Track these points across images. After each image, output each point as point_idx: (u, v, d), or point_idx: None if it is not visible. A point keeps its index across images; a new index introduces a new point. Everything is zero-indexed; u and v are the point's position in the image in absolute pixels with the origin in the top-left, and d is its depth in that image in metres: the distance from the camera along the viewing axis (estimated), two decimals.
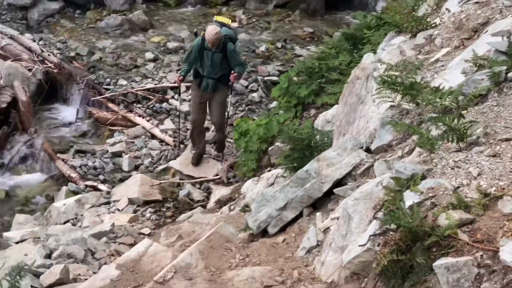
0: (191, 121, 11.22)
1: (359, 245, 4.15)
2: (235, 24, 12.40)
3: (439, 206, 3.85)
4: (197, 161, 10.98)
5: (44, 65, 13.66)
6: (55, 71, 13.62)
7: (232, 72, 10.42)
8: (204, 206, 9.84)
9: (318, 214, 5.34)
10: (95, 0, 16.33)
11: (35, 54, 13.95)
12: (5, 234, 8.80)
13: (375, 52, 7.28)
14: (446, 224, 3.64)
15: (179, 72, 11.81)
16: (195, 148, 11.08)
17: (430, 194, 3.96)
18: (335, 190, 5.39)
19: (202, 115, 10.88)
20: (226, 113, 11.12)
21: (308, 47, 14.75)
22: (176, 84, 12.03)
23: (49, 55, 13.91)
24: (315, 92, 9.99)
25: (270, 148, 9.45)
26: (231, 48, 10.29)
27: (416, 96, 5.11)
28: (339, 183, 5.47)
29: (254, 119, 10.96)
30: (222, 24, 10.60)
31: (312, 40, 15.33)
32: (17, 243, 8.26)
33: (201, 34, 10.51)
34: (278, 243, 5.44)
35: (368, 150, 5.60)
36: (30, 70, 13.52)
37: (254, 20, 16.25)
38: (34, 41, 14.57)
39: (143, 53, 14.50)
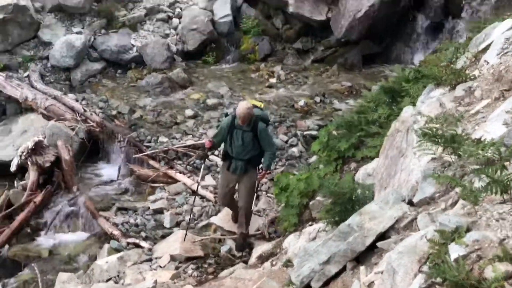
0: (218, 196, 11.07)
1: None
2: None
3: (485, 259, 3.80)
4: (236, 218, 10.70)
5: (87, 124, 13.93)
6: (97, 129, 13.87)
7: (260, 169, 10.13)
8: (246, 262, 9.80)
9: (361, 268, 5.29)
10: (136, 59, 16.66)
11: (78, 113, 14.25)
12: None
13: (414, 105, 7.28)
14: (492, 277, 3.59)
15: (211, 137, 11.07)
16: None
17: (476, 247, 3.91)
18: (378, 244, 5.34)
19: (230, 198, 10.55)
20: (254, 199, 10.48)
21: (347, 101, 14.82)
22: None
23: (91, 114, 14.18)
24: (355, 146, 9.98)
25: (311, 203, 9.43)
26: (262, 127, 9.88)
27: (458, 148, 5.09)
28: (382, 236, 5.42)
29: (294, 174, 10.95)
30: (254, 106, 10.19)
31: (351, 94, 15.39)
32: None
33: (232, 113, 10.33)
34: None
35: (410, 203, 5.56)
36: (73, 129, 13.79)
37: (292, 75, 16.41)
38: (77, 100, 14.89)
39: (183, 110, 14.69)
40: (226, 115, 10.67)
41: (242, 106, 9.68)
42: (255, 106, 10.13)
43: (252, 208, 10.37)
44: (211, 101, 14.98)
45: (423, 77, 8.65)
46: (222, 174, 10.51)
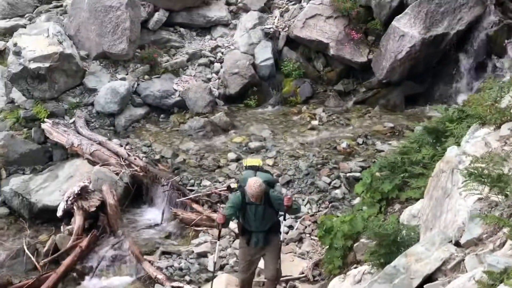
0: (238, 281, 9.88)
1: None
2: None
3: None
4: None
5: (131, 169, 14.10)
6: (141, 174, 14.02)
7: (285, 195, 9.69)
8: None
9: None
10: (178, 104, 16.85)
11: (122, 158, 14.45)
12: None
13: (458, 145, 7.22)
14: None
15: (222, 210, 10.35)
16: None
17: None
18: (425, 286, 5.26)
19: (252, 274, 9.71)
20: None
21: (389, 142, 14.73)
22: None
23: (135, 158, 14.35)
24: (398, 187, 9.90)
25: (355, 245, 9.34)
26: (274, 196, 9.18)
27: (505, 187, 5.02)
28: (429, 278, 5.34)
29: (337, 216, 10.89)
30: (255, 169, 9.63)
31: (393, 135, 15.30)
32: None
33: (237, 187, 9.73)
34: None
35: (457, 244, 5.48)
36: (117, 174, 13.99)
37: (334, 117, 16.41)
38: (121, 145, 15.11)
39: (226, 154, 14.77)
40: (230, 189, 10.35)
41: (254, 185, 8.91)
42: (255, 169, 9.61)
43: (280, 274, 9.71)
44: (253, 144, 15.05)
45: (467, 117, 8.58)
46: (242, 249, 9.62)
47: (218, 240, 9.96)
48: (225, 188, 13.32)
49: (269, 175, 9.74)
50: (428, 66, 16.88)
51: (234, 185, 10.08)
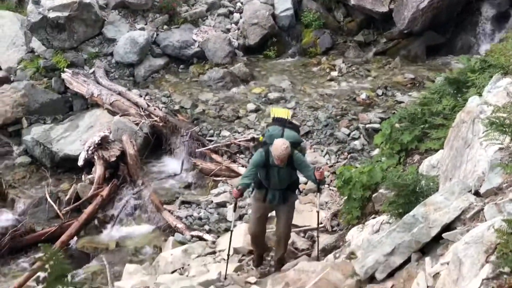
0: (249, 232, 9.39)
1: None
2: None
3: None
4: (260, 261, 9.56)
5: (150, 119, 14.14)
6: (161, 124, 14.07)
7: (317, 167, 9.10)
8: (309, 255, 9.79)
9: (427, 259, 5.24)
10: (198, 54, 16.80)
11: (142, 108, 14.48)
12: (117, 283, 9.06)
13: (480, 95, 7.16)
14: None
15: (235, 185, 9.92)
16: (254, 256, 9.59)
17: None
18: (444, 235, 5.27)
19: (263, 227, 9.25)
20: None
21: (410, 93, 14.64)
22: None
23: (154, 109, 14.39)
24: (418, 138, 9.84)
25: (374, 195, 9.34)
26: (298, 159, 8.71)
27: None
28: (448, 227, 5.35)
29: (356, 167, 10.89)
30: (282, 122, 9.04)
31: (414, 86, 15.20)
32: None
33: (261, 142, 9.07)
34: None
35: (477, 193, 5.48)
36: (137, 124, 14.04)
37: (354, 68, 16.30)
38: (141, 96, 15.13)
39: (245, 104, 14.77)
40: (253, 140, 9.65)
41: (279, 147, 8.38)
42: (282, 121, 9.03)
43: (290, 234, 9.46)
44: (272, 95, 15.02)
45: (489, 67, 8.46)
46: (256, 203, 9.19)
47: (234, 211, 9.46)
48: (246, 139, 13.36)
49: (296, 134, 9.04)
50: (451, 16, 16.65)
51: (258, 138, 9.24)
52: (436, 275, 4.96)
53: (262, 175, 8.78)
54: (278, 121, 9.10)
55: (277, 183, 8.78)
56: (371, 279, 5.70)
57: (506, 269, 3.80)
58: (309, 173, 8.81)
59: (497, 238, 4.15)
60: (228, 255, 9.23)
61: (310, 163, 9.64)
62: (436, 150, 8.85)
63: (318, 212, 9.41)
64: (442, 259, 5.06)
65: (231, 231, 9.39)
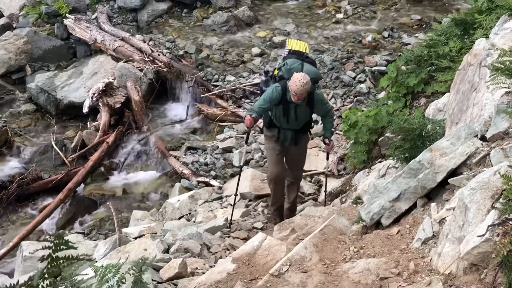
0: (270, 177, 8.59)
1: (478, 236, 4.05)
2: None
3: None
4: (281, 217, 8.70)
5: (155, 65, 14.06)
6: (165, 70, 13.99)
7: (326, 140, 8.38)
8: (315, 199, 9.83)
9: (432, 204, 5.23)
10: None
11: (146, 54, 14.38)
12: (124, 230, 9.11)
13: (487, 37, 7.05)
14: None
15: (247, 111, 8.93)
16: (274, 209, 8.82)
17: None
18: (450, 180, 5.26)
19: (282, 166, 8.50)
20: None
21: (416, 35, 14.49)
22: None
23: (158, 54, 14.28)
24: (424, 81, 9.77)
25: (380, 139, 9.32)
26: (319, 97, 8.12)
27: None
28: (454, 173, 5.33)
29: (362, 110, 10.83)
30: (299, 55, 8.26)
31: (420, 27, 15.04)
32: (135, 238, 8.54)
33: (278, 77, 8.17)
34: (392, 235, 5.37)
35: (483, 138, 5.43)
36: (141, 70, 13.96)
37: (359, 10, 16.08)
38: (144, 41, 15.00)
39: (250, 49, 14.65)
40: (266, 73, 8.69)
41: (300, 81, 7.63)
42: (300, 54, 8.27)
43: (302, 177, 9.13)
44: (277, 39, 14.88)
45: (496, 8, 8.33)
46: (269, 144, 8.50)
47: (246, 144, 9.16)
48: (252, 84, 13.27)
49: (316, 70, 8.30)
50: None
51: (273, 72, 8.27)
52: (441, 221, 4.96)
53: (277, 113, 8.09)
54: (295, 54, 8.30)
55: (293, 123, 8.13)
56: (377, 224, 5.72)
57: None
58: (323, 114, 8.30)
59: (503, 184, 4.13)
60: (235, 200, 9.08)
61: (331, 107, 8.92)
62: (443, 93, 8.79)
63: (326, 176, 9.21)
64: (448, 205, 5.05)
65: (240, 171, 9.11)
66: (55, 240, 3.08)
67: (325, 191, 9.14)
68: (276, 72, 8.23)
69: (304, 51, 8.34)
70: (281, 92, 7.89)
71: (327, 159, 9.09)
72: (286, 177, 8.59)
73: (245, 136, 9.08)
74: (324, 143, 8.52)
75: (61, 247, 3.09)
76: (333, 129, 8.60)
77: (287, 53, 8.48)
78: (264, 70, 9.64)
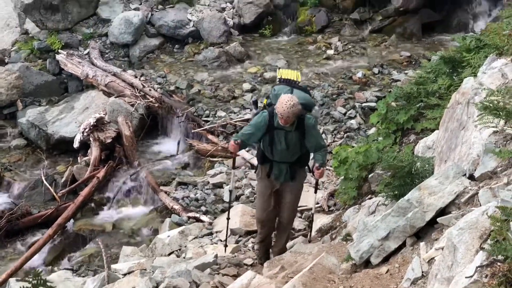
0: (258, 220, 8.27)
1: (466, 277, 4.04)
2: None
3: None
4: (266, 257, 8.39)
5: (146, 100, 14.11)
6: (156, 105, 14.05)
7: (316, 166, 7.73)
8: (305, 235, 9.80)
9: (421, 244, 5.24)
10: (193, 34, 16.71)
11: (137, 89, 14.46)
12: (114, 266, 9.07)
13: (475, 75, 7.12)
14: None
15: (233, 137, 8.46)
16: (260, 246, 8.48)
17: None
18: (438, 219, 5.27)
19: (273, 212, 8.07)
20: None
21: (406, 72, 14.60)
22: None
23: (150, 90, 14.35)
24: (414, 118, 9.82)
25: (370, 176, 9.34)
26: (310, 123, 7.54)
27: None
28: (442, 212, 5.34)
29: (353, 146, 10.87)
30: (290, 83, 7.77)
31: (410, 64, 15.17)
32: (124, 275, 8.49)
33: (264, 104, 7.85)
34: (381, 274, 5.36)
35: (471, 177, 5.46)
36: (132, 105, 14.00)
37: (350, 46, 16.23)
38: (136, 77, 15.07)
39: (241, 84, 14.74)
40: (255, 103, 8.46)
41: (286, 103, 7.17)
42: (290, 83, 7.78)
43: (295, 216, 8.70)
44: (268, 74, 14.98)
45: (484, 46, 8.42)
46: (261, 182, 8.08)
47: (233, 169, 8.85)
48: (242, 119, 13.31)
49: (307, 95, 7.82)
50: None
51: (262, 102, 7.93)
52: (431, 260, 4.96)
53: (265, 142, 7.62)
54: (285, 82, 7.82)
55: (284, 152, 7.61)
56: (366, 263, 5.71)
57: (500, 257, 3.79)
58: (315, 144, 7.69)
59: (491, 224, 4.14)
60: (227, 236, 8.91)
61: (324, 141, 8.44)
62: (432, 130, 8.84)
63: (312, 214, 8.84)
64: (436, 244, 5.05)
65: (229, 207, 8.83)
66: (34, 280, 3.07)
67: (311, 224, 8.96)
68: (265, 101, 7.90)
69: (295, 79, 7.86)
70: (267, 117, 7.50)
71: (315, 190, 8.52)
72: (275, 220, 8.21)
73: (232, 164, 8.72)
74: (313, 171, 7.93)
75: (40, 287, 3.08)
76: (324, 161, 8.00)
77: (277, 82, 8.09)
78: (252, 100, 9.35)
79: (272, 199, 7.98)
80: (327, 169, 11.35)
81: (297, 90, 7.69)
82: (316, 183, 8.47)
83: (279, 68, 9.91)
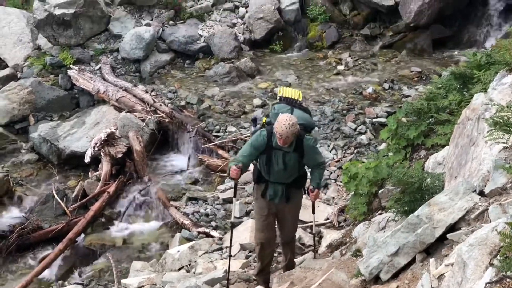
0: (257, 241, 8.02)
1: None
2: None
3: None
4: (265, 279, 8.25)
5: (156, 115, 14.17)
6: (167, 120, 14.09)
7: (310, 188, 7.74)
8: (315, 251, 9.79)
9: (431, 260, 5.22)
10: (204, 50, 16.78)
11: (148, 104, 14.51)
12: (124, 281, 9.08)
13: (485, 91, 7.12)
14: None
15: (231, 161, 7.80)
16: (260, 271, 8.24)
17: None
18: (448, 236, 5.25)
19: (272, 231, 7.93)
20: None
21: (416, 87, 14.61)
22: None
23: (160, 105, 14.40)
24: (424, 133, 9.81)
25: (380, 191, 9.32)
26: (309, 144, 7.38)
27: None
28: (452, 228, 5.33)
29: (363, 162, 10.86)
30: (291, 102, 7.61)
31: (420, 79, 15.18)
32: None
33: (263, 123, 7.62)
34: None
35: (481, 193, 5.45)
36: (143, 120, 14.05)
37: (360, 62, 16.26)
38: (147, 92, 15.14)
39: (251, 99, 14.76)
40: (254, 120, 8.21)
41: (284, 123, 6.97)
42: (292, 102, 7.62)
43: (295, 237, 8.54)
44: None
45: (495, 63, 8.42)
46: (257, 202, 7.86)
47: (234, 197, 8.42)
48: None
49: (307, 116, 7.65)
50: (457, 9, 16.57)
51: (261, 120, 7.67)
52: (440, 277, 4.94)
53: (262, 161, 7.44)
54: (286, 100, 7.64)
55: (281, 173, 7.42)
56: (376, 279, 5.69)
57: (509, 273, 3.77)
58: (313, 164, 7.62)
59: (501, 241, 4.13)
60: (230, 253, 8.48)
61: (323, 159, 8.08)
62: (442, 146, 8.83)
63: (314, 235, 8.80)
64: (446, 260, 5.04)
65: (232, 224, 8.63)
66: None
67: (314, 242, 8.98)
68: (264, 119, 7.64)
69: (296, 98, 7.67)
70: (266, 136, 7.29)
71: (313, 211, 8.40)
72: (276, 239, 8.09)
73: (238, 188, 8.46)
74: (308, 192, 7.82)
75: None
76: (321, 181, 7.97)
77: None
78: (251, 118, 9.06)
79: (271, 219, 7.83)
80: (337, 184, 11.39)
81: (298, 109, 7.54)
82: (313, 205, 8.29)
83: (281, 86, 9.56)
